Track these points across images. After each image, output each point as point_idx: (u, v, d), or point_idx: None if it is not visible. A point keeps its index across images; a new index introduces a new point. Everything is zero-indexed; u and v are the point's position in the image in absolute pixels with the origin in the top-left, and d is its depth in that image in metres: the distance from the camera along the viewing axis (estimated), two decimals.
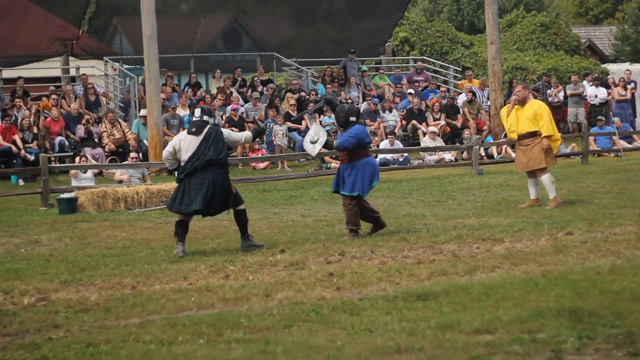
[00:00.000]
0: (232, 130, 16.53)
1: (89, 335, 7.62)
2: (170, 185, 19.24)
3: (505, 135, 16.89)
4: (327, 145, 13.56)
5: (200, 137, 12.37)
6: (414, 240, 12.34)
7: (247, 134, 13.60)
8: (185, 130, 12.85)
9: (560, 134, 16.70)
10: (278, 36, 32.74)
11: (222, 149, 12.50)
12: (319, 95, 28.38)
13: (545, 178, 15.81)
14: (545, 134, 15.72)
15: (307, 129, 26.71)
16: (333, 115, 26.94)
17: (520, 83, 19.31)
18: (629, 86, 31.93)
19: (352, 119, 13.33)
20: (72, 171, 21.66)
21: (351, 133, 13.11)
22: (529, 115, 15.79)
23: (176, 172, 13.04)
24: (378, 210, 13.75)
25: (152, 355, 6.84)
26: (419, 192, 19.20)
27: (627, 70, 33.70)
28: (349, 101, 28.07)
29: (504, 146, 26.16)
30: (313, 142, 13.53)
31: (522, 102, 15.99)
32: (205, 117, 12.55)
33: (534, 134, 15.79)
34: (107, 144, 24.74)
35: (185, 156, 12.40)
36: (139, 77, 27.54)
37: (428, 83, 31.30)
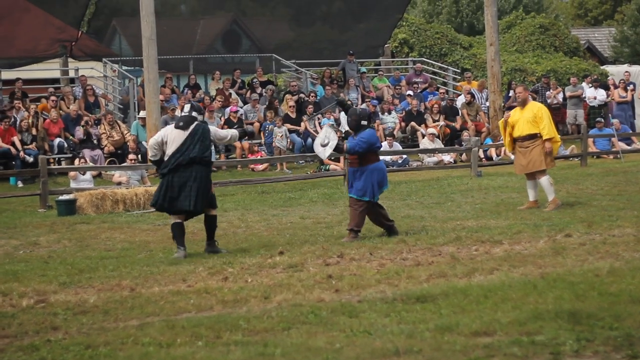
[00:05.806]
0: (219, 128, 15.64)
1: (87, 338, 7.61)
2: None
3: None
4: (337, 148, 13.38)
5: (187, 133, 12.32)
6: (412, 242, 12.34)
7: (233, 131, 13.53)
8: (173, 124, 12.78)
9: (559, 136, 16.68)
10: (277, 37, 32.73)
11: (207, 147, 12.51)
12: (318, 98, 28.36)
13: (545, 180, 15.80)
14: (547, 137, 15.71)
15: (307, 131, 26.80)
16: (332, 117, 27.03)
17: (520, 84, 19.25)
18: (628, 87, 31.94)
19: (364, 122, 13.33)
20: (71, 173, 21.66)
21: (362, 137, 13.12)
22: (529, 118, 15.76)
23: (158, 167, 12.93)
24: (393, 219, 13.69)
25: (150, 357, 6.84)
26: (417, 194, 19.19)
27: (626, 72, 33.71)
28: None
29: (503, 148, 26.13)
30: (324, 145, 13.45)
31: (522, 104, 16.02)
32: (194, 113, 12.52)
33: (533, 136, 15.77)
34: (106, 146, 24.73)
35: (170, 150, 12.35)
36: (138, 78, 27.51)
37: (427, 85, 31.29)
